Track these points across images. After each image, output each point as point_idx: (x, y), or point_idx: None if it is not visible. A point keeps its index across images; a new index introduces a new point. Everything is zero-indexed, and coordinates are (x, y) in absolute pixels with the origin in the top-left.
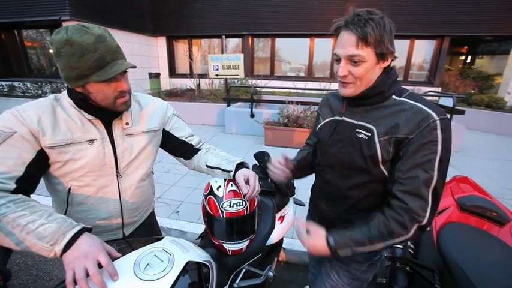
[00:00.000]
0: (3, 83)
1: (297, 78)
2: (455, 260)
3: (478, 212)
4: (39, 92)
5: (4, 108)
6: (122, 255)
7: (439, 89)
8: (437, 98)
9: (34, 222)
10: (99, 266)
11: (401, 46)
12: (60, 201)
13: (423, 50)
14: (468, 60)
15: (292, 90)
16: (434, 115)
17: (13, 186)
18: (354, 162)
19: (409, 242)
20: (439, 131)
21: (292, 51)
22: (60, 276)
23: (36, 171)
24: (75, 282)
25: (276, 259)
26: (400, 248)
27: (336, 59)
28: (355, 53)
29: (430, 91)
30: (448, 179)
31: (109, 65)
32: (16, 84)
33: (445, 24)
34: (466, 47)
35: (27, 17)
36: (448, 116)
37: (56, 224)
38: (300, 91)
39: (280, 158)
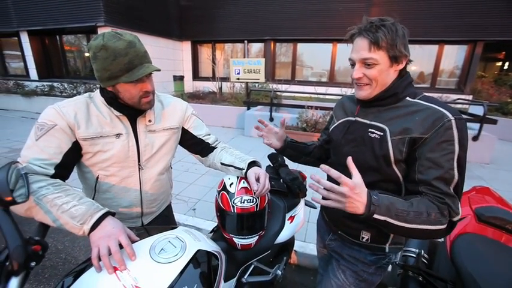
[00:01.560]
0: (44, 83)
1: (318, 84)
2: (468, 271)
3: (496, 223)
4: (75, 92)
5: (44, 106)
6: (140, 239)
7: (470, 97)
8: (467, 106)
9: (68, 203)
10: (120, 246)
11: (428, 51)
12: (89, 189)
13: (453, 56)
14: (505, 67)
15: (312, 96)
16: (449, 115)
17: (52, 171)
18: (365, 162)
19: (423, 252)
20: (454, 130)
21: (315, 56)
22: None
23: (71, 159)
24: (99, 259)
25: (285, 259)
26: (413, 256)
27: (351, 64)
28: (367, 56)
29: (458, 99)
30: (467, 188)
31: (137, 67)
32: (55, 84)
33: (478, 28)
34: (503, 53)
35: (67, 24)
36: (478, 125)
37: (85, 206)
38: (321, 96)
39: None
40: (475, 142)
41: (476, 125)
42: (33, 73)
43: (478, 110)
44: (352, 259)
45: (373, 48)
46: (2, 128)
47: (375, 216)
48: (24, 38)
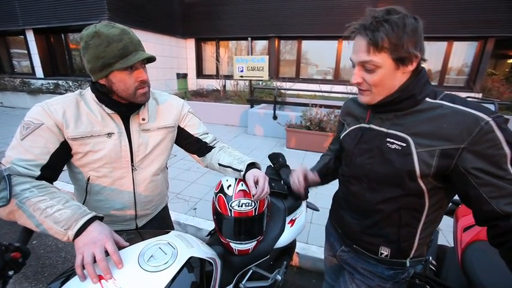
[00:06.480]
0: (50, 81)
1: (323, 81)
2: (481, 281)
3: None
4: (79, 89)
5: None
6: (130, 245)
7: (480, 95)
8: None
9: (52, 207)
10: (107, 253)
11: (436, 48)
12: (80, 190)
13: (462, 53)
14: None
15: (317, 94)
16: (484, 116)
17: (38, 173)
18: (383, 176)
19: (430, 258)
20: (497, 132)
21: (320, 53)
22: None
23: (59, 160)
24: (83, 267)
25: (285, 263)
26: (421, 263)
27: (352, 65)
28: (366, 59)
29: (468, 97)
30: None
31: (132, 54)
32: (60, 82)
33: (489, 24)
34: None
35: (72, 22)
36: None
37: (71, 210)
38: (326, 94)
39: (300, 176)
40: None
41: None
42: (39, 71)
43: None
44: (368, 273)
45: (372, 50)
46: (7, 126)
47: None
48: (30, 37)
